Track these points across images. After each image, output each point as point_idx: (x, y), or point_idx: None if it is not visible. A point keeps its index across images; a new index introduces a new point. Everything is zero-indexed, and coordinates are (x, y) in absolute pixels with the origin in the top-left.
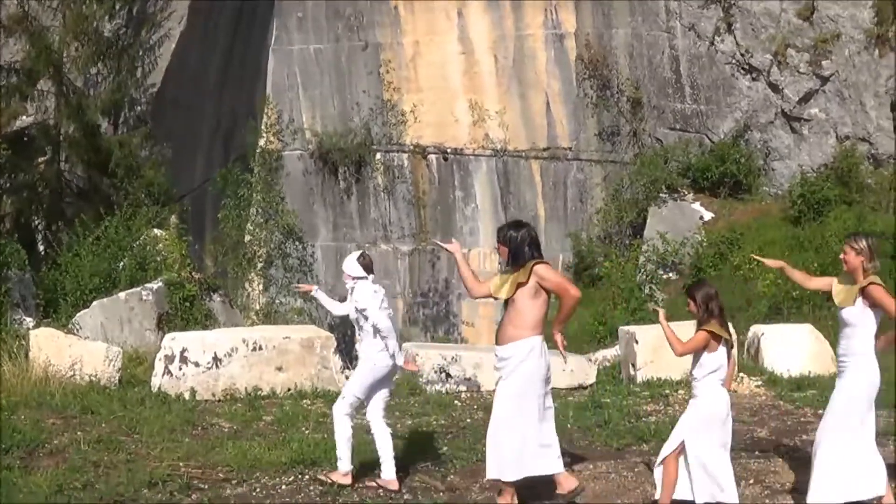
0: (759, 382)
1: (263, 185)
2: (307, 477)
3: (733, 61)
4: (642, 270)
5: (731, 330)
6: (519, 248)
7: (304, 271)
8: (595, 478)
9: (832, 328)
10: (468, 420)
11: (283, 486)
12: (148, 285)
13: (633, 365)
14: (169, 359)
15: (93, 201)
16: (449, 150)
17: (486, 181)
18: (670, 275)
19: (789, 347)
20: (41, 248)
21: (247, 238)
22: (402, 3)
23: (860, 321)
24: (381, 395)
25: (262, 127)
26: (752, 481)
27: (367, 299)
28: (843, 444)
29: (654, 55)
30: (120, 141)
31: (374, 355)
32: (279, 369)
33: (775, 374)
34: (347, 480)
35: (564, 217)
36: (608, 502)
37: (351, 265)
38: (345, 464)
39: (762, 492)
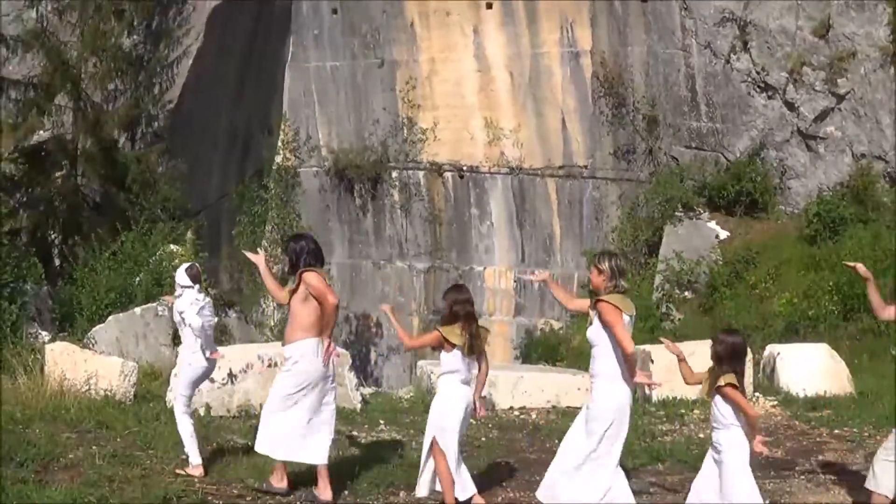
0: (775, 402)
1: (279, 201)
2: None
3: (749, 79)
4: (659, 289)
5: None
6: (297, 258)
7: None
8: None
9: (848, 348)
10: (483, 439)
11: (298, 503)
12: (163, 300)
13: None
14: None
15: (109, 216)
16: (465, 168)
17: (502, 199)
18: (686, 294)
19: (805, 367)
20: (57, 262)
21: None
22: (417, 20)
23: (600, 341)
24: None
25: (279, 143)
26: (767, 501)
27: (187, 305)
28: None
29: (670, 73)
30: (137, 156)
31: (189, 356)
32: None
33: (791, 393)
34: (199, 472)
35: (580, 235)
36: None
37: (181, 275)
38: (195, 457)
39: None
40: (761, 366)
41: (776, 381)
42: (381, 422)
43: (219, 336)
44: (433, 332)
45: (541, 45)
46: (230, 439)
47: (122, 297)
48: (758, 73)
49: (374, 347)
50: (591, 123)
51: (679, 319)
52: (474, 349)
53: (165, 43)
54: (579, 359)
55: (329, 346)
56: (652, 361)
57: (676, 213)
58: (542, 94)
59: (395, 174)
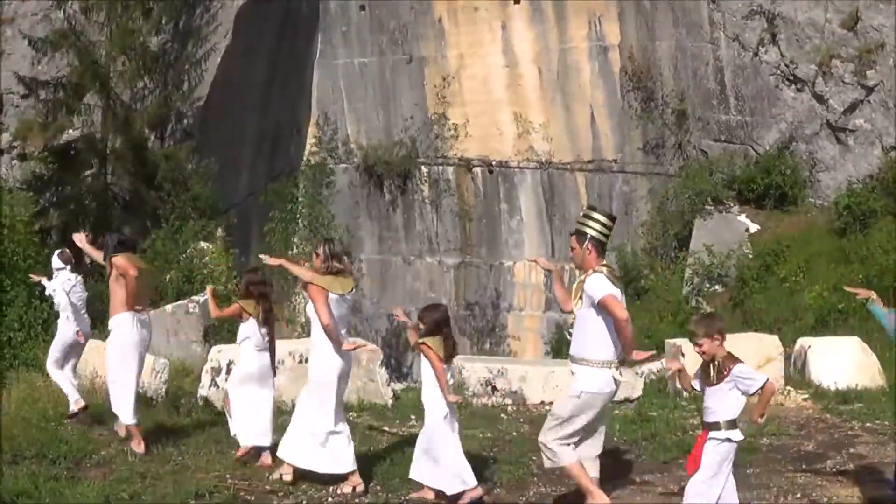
0: (806, 395)
1: (309, 198)
2: (355, 489)
3: (778, 72)
4: (689, 283)
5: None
6: (107, 248)
7: None
8: (641, 490)
9: (879, 340)
10: (514, 433)
11: (330, 499)
12: (195, 298)
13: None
14: (215, 371)
15: (139, 214)
16: (494, 163)
17: (531, 194)
18: (716, 287)
19: (836, 360)
20: (87, 260)
21: (293, 251)
22: (446, 16)
23: (313, 316)
24: (74, 360)
25: (308, 140)
26: (798, 495)
27: (59, 284)
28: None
29: (699, 66)
30: (166, 154)
31: (62, 326)
32: None
33: (822, 387)
34: (81, 404)
35: None
36: None
37: (54, 260)
38: (74, 396)
39: None
40: (792, 359)
41: (807, 375)
42: (412, 416)
43: None
44: (234, 305)
45: (569, 40)
46: None
47: (153, 294)
48: (786, 65)
49: (408, 344)
50: (620, 118)
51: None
52: (268, 321)
53: (193, 41)
54: None
55: (145, 310)
56: (683, 355)
57: (706, 207)
58: (571, 88)
59: (424, 170)
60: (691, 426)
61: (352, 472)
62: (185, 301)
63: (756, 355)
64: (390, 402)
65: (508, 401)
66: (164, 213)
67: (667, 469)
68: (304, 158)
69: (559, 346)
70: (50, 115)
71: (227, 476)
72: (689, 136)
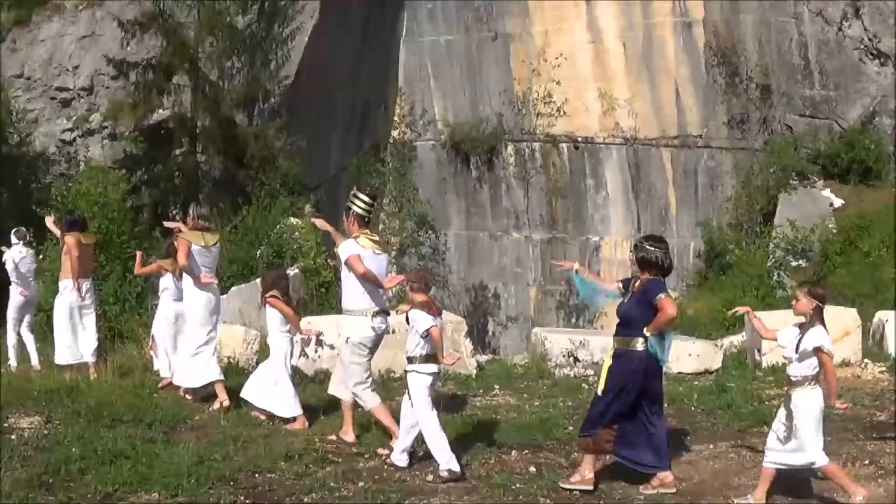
0: (883, 368)
1: (396, 175)
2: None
3: (861, 46)
4: (772, 257)
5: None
6: (62, 228)
7: (437, 260)
8: (715, 457)
9: None
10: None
11: (413, 461)
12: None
13: (759, 350)
14: (305, 342)
15: (229, 191)
16: (580, 139)
17: (617, 169)
18: (800, 262)
19: None
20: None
21: (380, 227)
22: None
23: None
24: (28, 316)
25: (395, 118)
26: (867, 461)
27: (9, 256)
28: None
29: (783, 41)
30: (255, 133)
31: (13, 291)
32: None
33: None
34: (37, 366)
35: (695, 205)
36: (724, 480)
37: (12, 235)
38: (34, 358)
39: (875, 472)
40: (871, 332)
41: (885, 348)
42: (496, 386)
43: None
44: (154, 263)
45: (653, 15)
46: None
47: (245, 268)
48: (870, 39)
49: (493, 318)
50: (705, 93)
51: (792, 287)
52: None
53: (280, 20)
54: (690, 326)
55: (79, 286)
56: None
57: (791, 182)
58: (656, 64)
59: (510, 147)
60: (768, 396)
61: (217, 383)
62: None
63: (835, 328)
64: (475, 372)
65: (590, 371)
66: (254, 190)
67: (740, 437)
68: (392, 135)
69: None
70: (140, 96)
71: (316, 439)
72: (773, 110)
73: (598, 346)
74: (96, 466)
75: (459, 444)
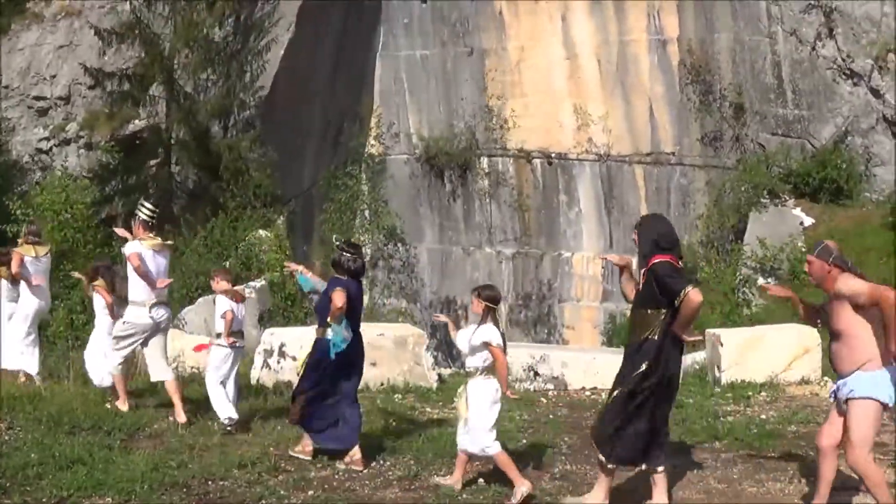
0: None
1: (369, 188)
2: (388, 463)
3: (835, 66)
4: (739, 275)
5: None
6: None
7: (407, 273)
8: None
9: None
10: (550, 416)
11: (365, 471)
12: (251, 283)
13: (718, 367)
14: (268, 353)
15: (202, 203)
16: (553, 155)
17: (590, 186)
18: (769, 280)
19: None
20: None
21: (358, 237)
22: (506, 9)
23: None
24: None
25: (369, 131)
26: (813, 478)
27: None
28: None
29: (756, 60)
30: (229, 144)
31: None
32: (373, 364)
33: None
34: None
35: None
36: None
37: None
38: None
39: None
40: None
41: None
42: (455, 399)
43: (303, 318)
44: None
45: (628, 32)
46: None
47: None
48: (843, 59)
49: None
50: (679, 110)
51: (757, 305)
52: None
53: (256, 33)
54: None
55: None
56: (721, 344)
57: (762, 200)
58: (630, 81)
59: (484, 161)
60: (724, 412)
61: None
62: (243, 286)
63: (795, 346)
64: (435, 384)
65: (550, 386)
66: (226, 201)
67: (690, 452)
68: (366, 149)
69: (611, 337)
70: (116, 106)
71: (271, 449)
72: (746, 129)
73: (559, 360)
74: (53, 471)
75: (412, 455)
